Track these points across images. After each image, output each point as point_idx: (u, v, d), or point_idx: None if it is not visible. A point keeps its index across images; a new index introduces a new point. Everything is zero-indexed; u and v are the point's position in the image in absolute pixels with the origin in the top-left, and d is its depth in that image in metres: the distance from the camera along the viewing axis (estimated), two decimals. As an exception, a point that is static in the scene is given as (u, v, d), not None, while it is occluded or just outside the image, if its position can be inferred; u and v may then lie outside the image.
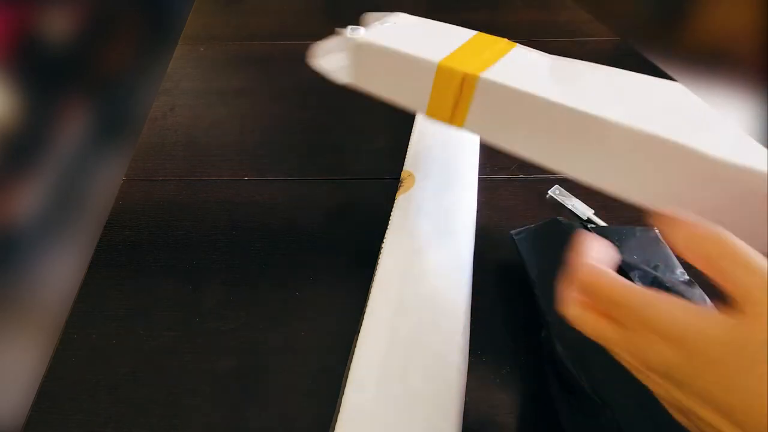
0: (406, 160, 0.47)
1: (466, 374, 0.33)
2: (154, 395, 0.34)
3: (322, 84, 0.61)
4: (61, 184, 0.49)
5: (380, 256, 0.39)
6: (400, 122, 0.53)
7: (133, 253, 0.42)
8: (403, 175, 0.45)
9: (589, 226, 0.39)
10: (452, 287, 0.37)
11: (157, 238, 0.43)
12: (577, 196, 0.46)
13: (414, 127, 0.50)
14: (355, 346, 0.34)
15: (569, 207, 0.45)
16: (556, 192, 0.46)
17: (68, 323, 0.38)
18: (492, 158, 0.50)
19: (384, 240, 0.40)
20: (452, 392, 0.32)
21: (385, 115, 0.56)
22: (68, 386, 0.34)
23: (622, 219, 0.44)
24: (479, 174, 0.47)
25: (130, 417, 0.33)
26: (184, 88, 0.59)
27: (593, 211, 0.45)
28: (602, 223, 0.44)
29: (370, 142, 0.52)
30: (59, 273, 0.44)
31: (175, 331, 0.37)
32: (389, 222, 0.41)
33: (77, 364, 0.36)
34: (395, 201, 0.43)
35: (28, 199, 0.46)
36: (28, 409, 0.33)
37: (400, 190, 0.44)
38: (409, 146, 0.48)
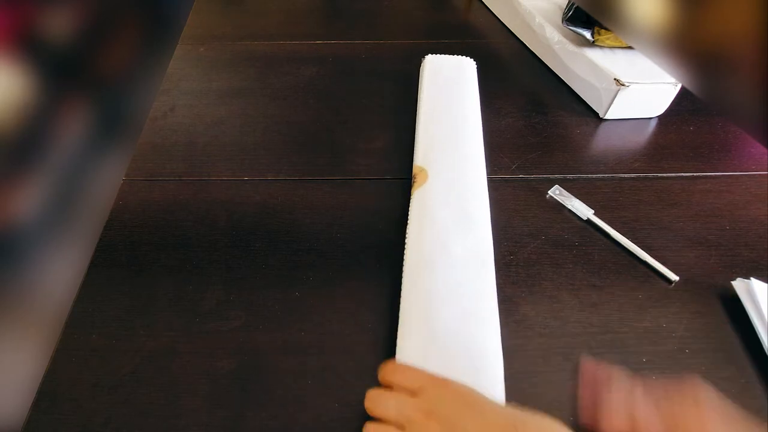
0: (415, 155, 0.47)
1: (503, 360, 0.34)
2: (154, 395, 0.34)
3: (322, 84, 0.61)
4: (61, 184, 0.49)
5: (405, 250, 0.40)
6: (400, 122, 0.53)
7: (133, 253, 0.42)
8: (414, 170, 0.45)
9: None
10: (479, 274, 0.38)
11: (157, 238, 0.43)
12: (577, 197, 0.46)
13: (418, 121, 0.50)
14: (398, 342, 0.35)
15: (569, 207, 0.45)
16: (556, 192, 0.46)
17: (68, 323, 0.38)
18: (492, 158, 0.50)
19: (407, 234, 0.40)
20: (494, 379, 0.33)
21: (385, 115, 0.56)
22: (68, 386, 0.34)
23: (623, 219, 0.44)
24: (479, 174, 0.47)
25: (130, 417, 0.33)
26: (184, 88, 0.59)
27: (593, 212, 0.44)
28: (602, 224, 0.44)
29: (370, 142, 0.52)
30: (59, 273, 0.44)
31: (175, 331, 0.37)
32: (409, 216, 0.42)
33: (77, 364, 0.36)
34: (411, 196, 0.43)
35: (28, 199, 0.46)
36: (28, 409, 0.33)
37: (415, 185, 0.44)
38: (415, 141, 0.48)
